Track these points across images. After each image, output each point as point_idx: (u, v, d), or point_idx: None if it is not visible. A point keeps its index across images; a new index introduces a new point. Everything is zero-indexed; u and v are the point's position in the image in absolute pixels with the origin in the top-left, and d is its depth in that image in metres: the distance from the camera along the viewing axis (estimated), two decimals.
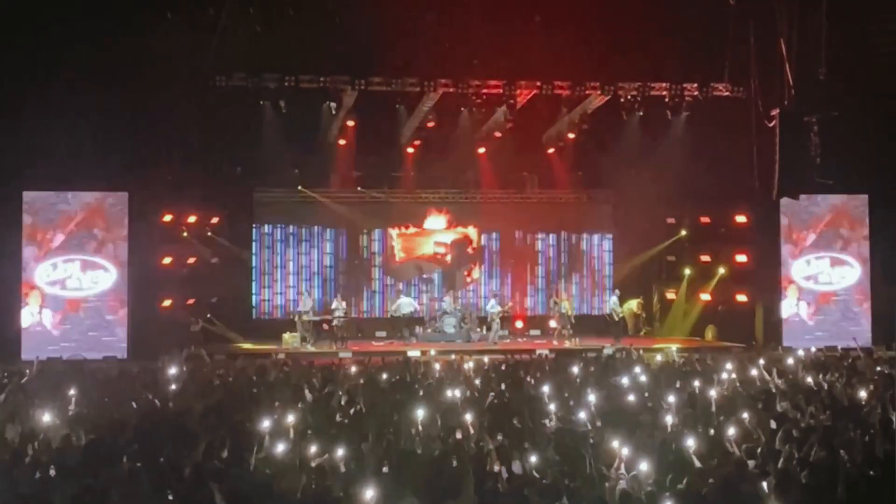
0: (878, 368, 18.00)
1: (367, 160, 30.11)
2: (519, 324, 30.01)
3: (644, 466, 9.44)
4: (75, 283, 24.99)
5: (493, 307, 28.66)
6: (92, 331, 24.85)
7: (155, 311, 25.61)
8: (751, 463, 10.01)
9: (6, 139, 23.33)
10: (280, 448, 10.39)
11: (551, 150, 30.79)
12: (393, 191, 31.37)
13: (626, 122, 27.80)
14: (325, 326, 28.13)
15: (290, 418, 11.76)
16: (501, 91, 26.74)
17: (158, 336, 24.62)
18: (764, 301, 27.57)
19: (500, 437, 10.99)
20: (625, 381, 15.94)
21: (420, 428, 11.67)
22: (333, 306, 27.95)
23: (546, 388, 14.43)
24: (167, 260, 26.32)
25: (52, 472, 9.66)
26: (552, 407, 12.78)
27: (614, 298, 28.84)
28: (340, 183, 30.94)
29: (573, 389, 14.92)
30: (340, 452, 10.10)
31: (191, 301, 27.34)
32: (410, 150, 30.06)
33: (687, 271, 30.08)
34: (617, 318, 28.33)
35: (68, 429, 11.59)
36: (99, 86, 23.10)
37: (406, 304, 28.82)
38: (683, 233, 30.24)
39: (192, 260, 27.50)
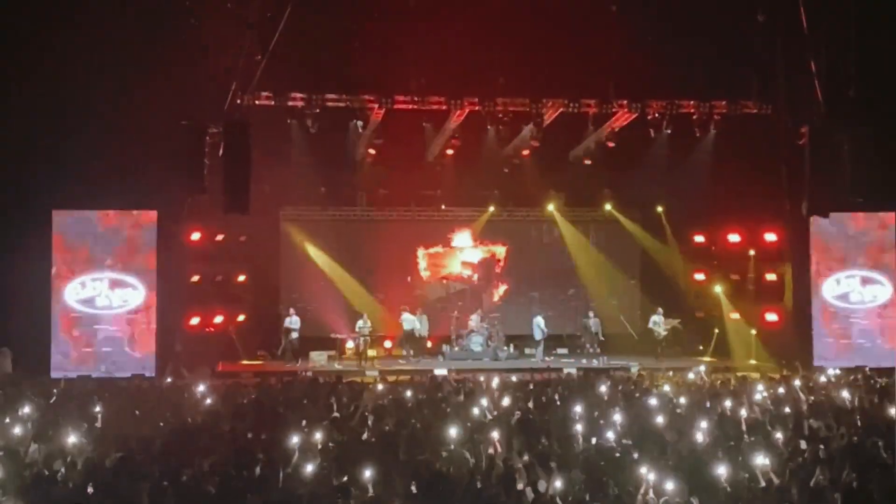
0: None
1: (394, 178, 30.13)
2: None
3: (671, 488, 9.33)
4: (104, 301, 25.12)
5: (540, 324, 28.54)
6: (120, 348, 24.92)
7: (183, 328, 25.70)
8: (780, 483, 9.89)
9: (37, 159, 23.52)
10: (309, 467, 10.36)
11: (578, 168, 30.67)
12: (420, 209, 31.37)
13: (653, 140, 27.68)
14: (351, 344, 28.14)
15: (318, 436, 11.74)
16: (528, 109, 26.71)
17: (186, 354, 24.76)
18: (794, 320, 27.31)
19: (526, 457, 10.91)
20: (653, 401, 15.82)
21: (448, 446, 11.60)
22: (359, 324, 27.93)
23: (573, 408, 14.33)
24: (195, 278, 26.40)
25: (83, 490, 9.66)
26: (579, 427, 12.68)
27: (658, 317, 28.38)
28: (368, 202, 30.98)
29: (601, 409, 14.82)
30: (368, 472, 10.05)
31: (218, 319, 27.42)
32: (437, 168, 30.07)
33: (718, 289, 29.79)
34: (660, 337, 28.00)
35: (96, 447, 11.61)
36: (128, 106, 23.26)
37: (408, 321, 28.70)
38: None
39: (219, 278, 27.59)
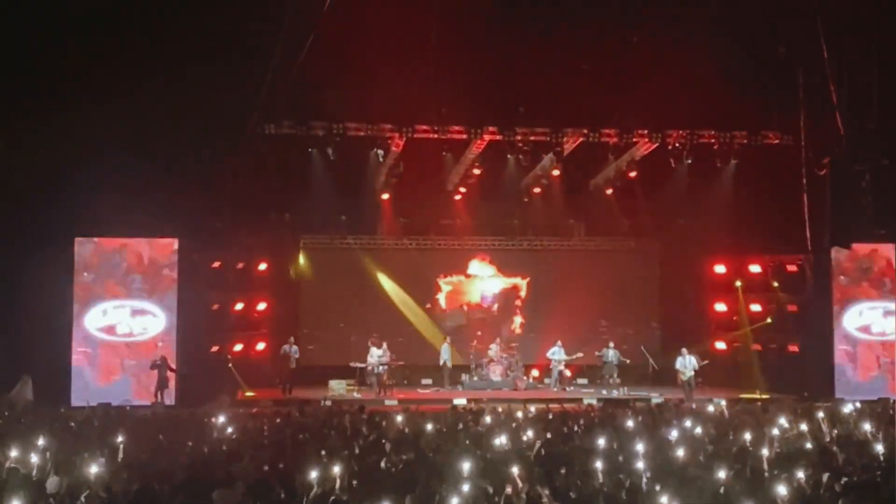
0: None
1: (415, 207, 30.23)
2: (567, 372, 29.68)
3: None
4: (125, 329, 25.19)
5: (555, 354, 28.41)
6: (141, 377, 24.97)
7: (204, 357, 25.76)
8: None
9: (61, 187, 23.69)
10: (330, 497, 10.33)
11: (599, 198, 30.72)
12: (440, 238, 31.42)
13: (674, 170, 27.67)
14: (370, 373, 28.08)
15: (337, 469, 11.70)
16: (548, 138, 26.79)
17: (207, 382, 24.78)
18: (815, 351, 27.12)
19: (548, 490, 10.84)
20: (675, 432, 15.72)
21: (467, 480, 11.55)
22: (378, 353, 27.91)
23: (594, 439, 14.25)
24: (215, 306, 26.47)
25: None
26: (600, 459, 12.60)
27: (683, 358, 26.22)
28: (387, 230, 31.08)
29: (622, 441, 14.72)
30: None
31: (238, 347, 27.48)
32: (457, 196, 30.13)
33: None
34: (685, 377, 26.12)
35: (116, 477, 11.60)
36: (151, 136, 23.47)
37: (445, 352, 28.71)
38: (738, 284, 29.63)
39: (240, 307, 27.66)
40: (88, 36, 23.04)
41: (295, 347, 27.51)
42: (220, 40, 23.24)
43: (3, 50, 22.31)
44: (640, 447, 13.21)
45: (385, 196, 29.63)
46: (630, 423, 17.13)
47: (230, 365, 26.61)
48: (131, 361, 25.06)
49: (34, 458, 12.72)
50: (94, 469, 11.56)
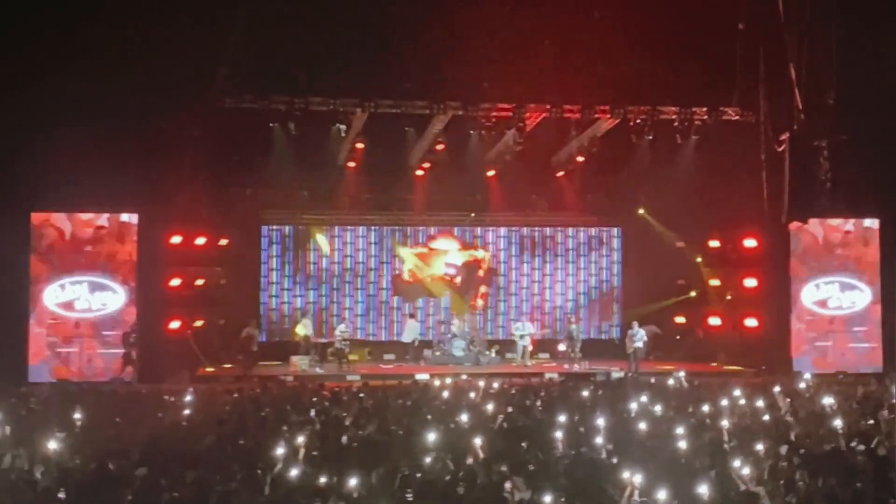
0: (889, 394, 17.90)
1: (377, 183, 30.11)
2: (530, 347, 29.74)
3: (657, 494, 9.35)
4: (84, 305, 24.95)
5: (521, 328, 28.54)
6: (99, 352, 24.77)
7: (163, 333, 25.60)
8: (762, 490, 9.91)
9: (17, 162, 23.36)
10: (292, 473, 10.32)
11: (561, 174, 30.82)
12: (402, 213, 31.36)
13: (635, 146, 27.78)
14: (331, 349, 28.06)
15: (300, 442, 11.70)
16: (511, 114, 26.78)
17: (166, 358, 24.65)
18: (773, 325, 27.41)
19: (508, 464, 10.90)
20: (634, 406, 15.86)
21: (430, 453, 11.59)
22: (340, 328, 27.87)
23: (555, 413, 14.34)
24: (176, 282, 26.31)
25: (63, 497, 9.60)
26: (561, 433, 12.68)
27: (633, 331, 26.90)
28: (350, 205, 30.97)
29: (582, 414, 14.83)
30: (351, 478, 10.02)
31: (199, 323, 27.34)
32: (420, 172, 30.07)
33: (693, 294, 29.96)
34: (630, 349, 26.68)
35: (76, 454, 11.53)
36: (110, 110, 23.16)
37: (411, 329, 28.73)
38: (699, 259, 29.93)
39: (200, 282, 27.50)
40: (43, 7, 22.67)
41: (256, 330, 27.46)
42: (179, 11, 22.93)
43: None
44: (600, 421, 13.31)
45: (347, 171, 29.44)
46: (591, 397, 17.28)
47: (191, 341, 26.50)
48: (90, 337, 24.82)
49: None
50: (52, 445, 11.48)
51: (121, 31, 22.94)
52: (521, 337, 28.31)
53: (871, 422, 14.03)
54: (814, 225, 26.91)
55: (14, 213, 24.26)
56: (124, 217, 25.23)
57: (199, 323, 27.34)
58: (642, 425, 13.65)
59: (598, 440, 12.27)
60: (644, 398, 16.62)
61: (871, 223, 27.36)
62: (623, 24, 24.76)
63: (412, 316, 29.16)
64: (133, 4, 23.00)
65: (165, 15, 22.81)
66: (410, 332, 28.73)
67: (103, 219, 25.16)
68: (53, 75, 22.34)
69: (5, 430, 12.96)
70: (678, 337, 30.44)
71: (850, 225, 27.32)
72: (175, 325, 25.99)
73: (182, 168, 25.57)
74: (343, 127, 26.81)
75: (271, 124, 26.51)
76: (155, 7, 22.97)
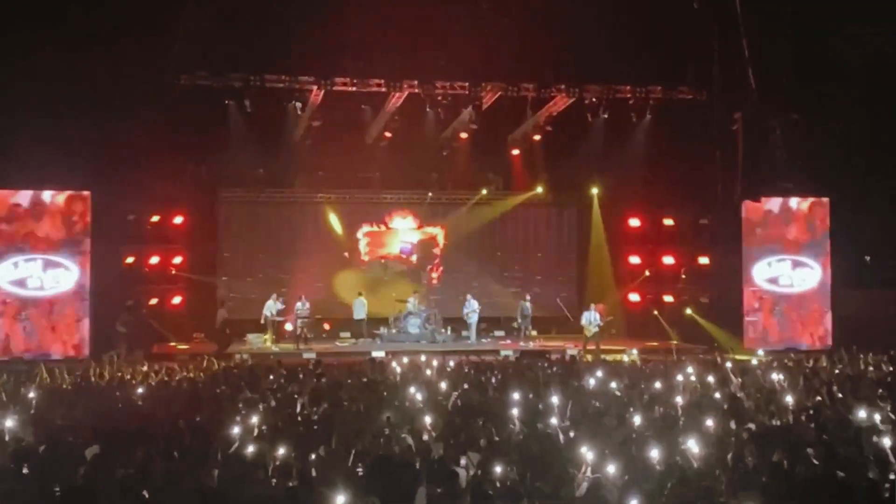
0: (838, 370, 18.23)
1: (332, 160, 29.98)
2: (482, 325, 29.89)
3: (610, 468, 9.48)
4: (36, 283, 24.67)
5: (470, 306, 28.56)
6: (53, 330, 24.56)
7: (118, 311, 25.44)
8: (713, 465, 10.08)
9: None
10: (247, 449, 10.34)
11: (516, 152, 30.92)
12: (359, 191, 31.27)
13: (591, 125, 27.92)
14: (289, 327, 28.02)
15: (255, 420, 11.72)
16: (467, 92, 26.81)
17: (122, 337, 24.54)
18: (725, 303, 27.74)
19: (462, 439, 10.99)
20: (590, 382, 16.02)
21: (383, 430, 11.65)
22: (297, 306, 27.82)
23: (510, 390, 14.45)
24: (130, 259, 26.08)
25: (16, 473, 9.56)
26: (516, 410, 12.79)
27: (590, 314, 26.27)
28: (306, 184, 30.85)
29: (537, 392, 14.95)
30: (305, 455, 10.07)
31: (153, 301, 27.21)
32: (376, 150, 29.99)
33: (648, 273, 30.24)
34: (590, 334, 26.11)
35: (30, 431, 11.47)
36: (62, 86, 22.88)
37: (359, 306, 28.71)
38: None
39: (155, 260, 27.31)
40: None
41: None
42: None
43: None
44: (555, 398, 13.43)
45: (303, 149, 29.32)
46: (545, 375, 17.41)
47: (149, 320, 26.44)
48: (42, 315, 24.58)
49: None
50: (8, 423, 11.43)
51: (79, 6, 22.62)
52: (469, 314, 28.36)
53: (819, 398, 14.28)
54: (766, 203, 27.20)
55: None
56: (78, 194, 24.86)
57: (153, 301, 27.20)
58: (596, 403, 13.80)
59: (553, 418, 12.39)
60: (599, 375, 16.79)
61: (823, 202, 27.71)
62: (579, 2, 24.79)
63: (360, 294, 29.09)
64: None
65: None
66: (359, 309, 28.67)
67: (58, 195, 24.78)
68: (6, 56, 22.03)
69: None
70: (631, 316, 30.66)
71: (802, 203, 27.63)
72: (129, 303, 25.82)
73: (137, 145, 25.28)
74: (299, 105, 26.70)
75: (227, 102, 26.34)
76: None
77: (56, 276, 24.77)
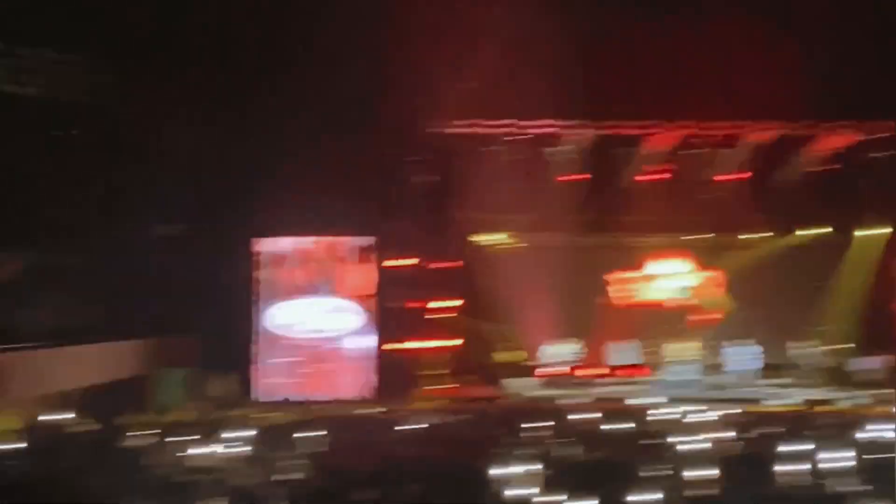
0: None
1: (591, 203, 29.76)
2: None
3: None
4: (316, 326, 25.80)
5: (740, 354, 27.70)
6: (332, 374, 25.55)
7: (395, 355, 26.31)
8: None
9: (239, 189, 24.41)
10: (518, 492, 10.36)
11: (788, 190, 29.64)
12: (618, 235, 30.76)
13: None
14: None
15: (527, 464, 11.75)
16: (735, 132, 26.19)
17: (399, 380, 25.32)
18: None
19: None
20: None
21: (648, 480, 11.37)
22: (563, 350, 27.74)
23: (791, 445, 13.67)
24: (407, 305, 26.95)
25: None
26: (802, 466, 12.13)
27: None
28: (564, 226, 30.63)
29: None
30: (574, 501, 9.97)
31: (430, 344, 27.92)
32: (635, 193, 29.54)
33: None
34: None
35: (308, 473, 11.93)
36: (331, 133, 23.98)
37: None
38: None
39: (427, 304, 28.06)
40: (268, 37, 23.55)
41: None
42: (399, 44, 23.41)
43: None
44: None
45: (562, 191, 29.24)
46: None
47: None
48: (319, 359, 25.62)
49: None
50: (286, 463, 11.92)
51: (339, 64, 23.55)
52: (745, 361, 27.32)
53: None
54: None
55: (238, 238, 25.47)
56: (354, 240, 26.20)
57: (433, 344, 27.90)
58: None
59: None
60: None
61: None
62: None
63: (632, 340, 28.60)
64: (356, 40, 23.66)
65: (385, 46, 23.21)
66: (620, 355, 28.23)
67: (330, 242, 26.13)
68: (279, 103, 23.37)
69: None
70: None
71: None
72: (406, 346, 26.63)
73: (402, 193, 26.15)
74: (558, 149, 26.88)
75: (485, 148, 26.79)
76: (375, 41, 23.42)
77: (337, 321, 25.75)
